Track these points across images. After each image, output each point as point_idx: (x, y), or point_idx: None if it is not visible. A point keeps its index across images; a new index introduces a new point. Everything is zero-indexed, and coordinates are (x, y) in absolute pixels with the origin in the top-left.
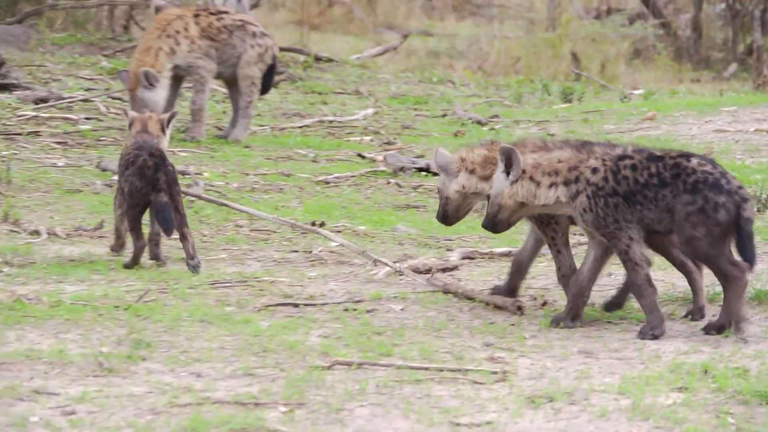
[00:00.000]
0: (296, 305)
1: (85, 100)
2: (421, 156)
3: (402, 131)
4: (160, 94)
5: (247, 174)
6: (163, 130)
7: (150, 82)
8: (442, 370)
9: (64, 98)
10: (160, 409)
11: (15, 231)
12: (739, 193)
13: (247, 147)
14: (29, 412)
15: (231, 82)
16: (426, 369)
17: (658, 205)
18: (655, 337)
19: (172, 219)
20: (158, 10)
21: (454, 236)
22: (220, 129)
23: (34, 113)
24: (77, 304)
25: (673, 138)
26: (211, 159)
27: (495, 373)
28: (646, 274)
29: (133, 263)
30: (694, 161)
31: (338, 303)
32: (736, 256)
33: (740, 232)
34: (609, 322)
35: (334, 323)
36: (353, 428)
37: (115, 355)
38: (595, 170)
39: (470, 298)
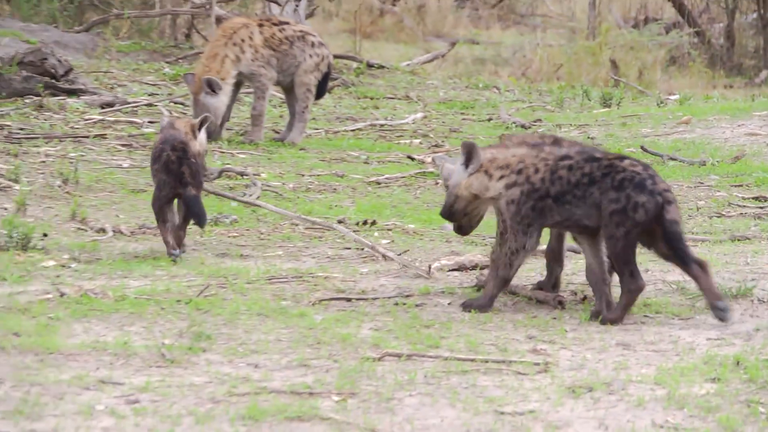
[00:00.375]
0: (349, 299)
1: (149, 105)
2: None
3: (449, 134)
4: (221, 100)
5: (303, 175)
6: (194, 133)
7: (212, 88)
8: (487, 362)
9: (128, 103)
10: (220, 398)
11: (82, 229)
12: (663, 194)
13: (302, 149)
14: (95, 401)
15: (288, 89)
16: (472, 360)
17: (587, 201)
18: (481, 308)
19: (203, 212)
20: (219, 19)
21: None
22: (277, 132)
23: (100, 117)
24: (141, 298)
25: (707, 141)
26: (268, 161)
27: (537, 364)
28: (509, 277)
29: (171, 249)
30: (627, 162)
31: (389, 297)
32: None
33: (665, 233)
34: (645, 316)
35: (385, 317)
36: (402, 416)
37: (177, 347)
38: (537, 170)
39: (514, 293)
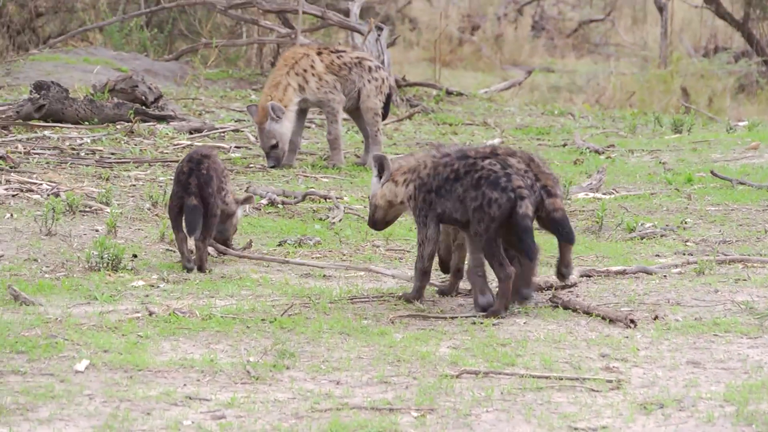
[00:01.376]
0: (428, 318)
1: (236, 131)
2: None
3: None
4: (286, 126)
5: None
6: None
7: (277, 114)
8: (561, 379)
9: (216, 128)
10: (303, 413)
11: (170, 250)
12: (516, 191)
13: None
14: (182, 417)
15: (354, 113)
16: (546, 378)
17: (452, 197)
18: (411, 299)
19: (196, 222)
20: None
21: (573, 256)
22: (358, 156)
23: (188, 142)
24: (227, 317)
25: None
26: (350, 184)
27: (610, 381)
28: (426, 267)
29: (186, 261)
30: (487, 161)
31: (466, 317)
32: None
33: (516, 227)
34: (715, 335)
35: (463, 335)
36: None
37: (262, 364)
38: (425, 166)
39: (587, 313)
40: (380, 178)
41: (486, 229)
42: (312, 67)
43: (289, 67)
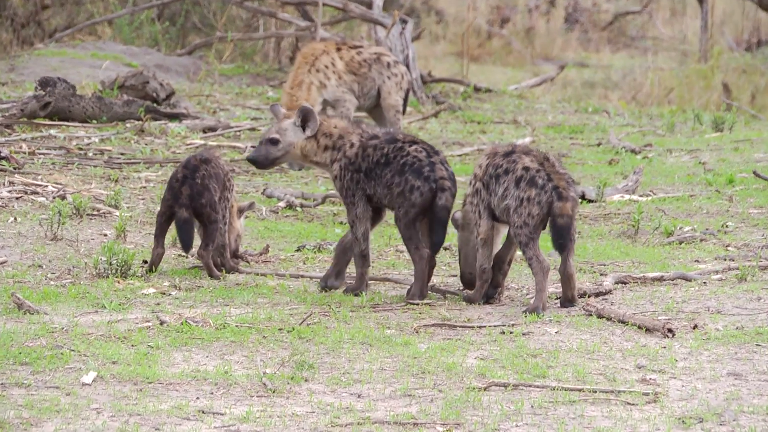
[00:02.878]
0: (454, 327)
1: (252, 129)
2: (577, 183)
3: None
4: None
5: None
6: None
7: None
8: (595, 392)
9: (231, 127)
10: (322, 428)
11: (182, 256)
12: (439, 182)
13: None
14: None
15: (373, 112)
16: (579, 390)
17: (382, 182)
18: (355, 294)
19: (189, 238)
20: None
21: (608, 261)
22: None
23: (202, 141)
24: (242, 326)
25: None
26: None
27: (646, 394)
28: (363, 249)
29: (150, 268)
30: (414, 147)
31: (495, 326)
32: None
33: (433, 217)
34: (758, 345)
35: (491, 345)
36: None
37: (279, 376)
38: (352, 145)
39: (623, 322)
40: (303, 129)
41: (405, 213)
42: (333, 64)
43: (310, 65)
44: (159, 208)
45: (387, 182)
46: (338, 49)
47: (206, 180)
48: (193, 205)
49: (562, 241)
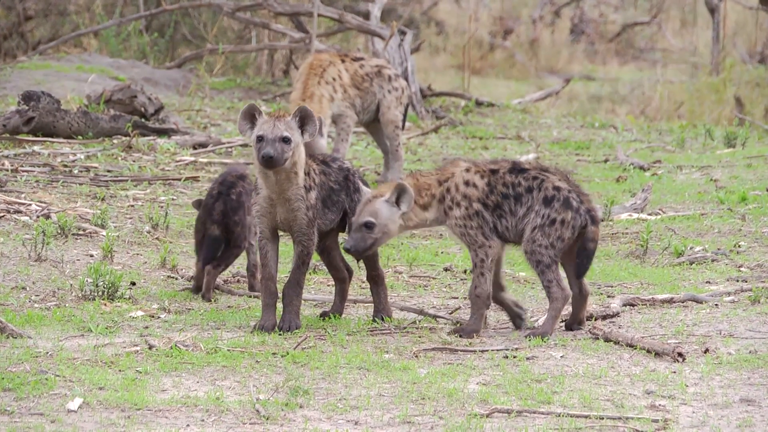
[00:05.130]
0: (455, 351)
1: (244, 145)
2: None
3: None
4: (322, 144)
5: None
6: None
7: (320, 130)
8: (602, 418)
9: (222, 143)
10: None
11: (172, 277)
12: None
13: None
14: None
15: (371, 127)
16: (586, 417)
17: (339, 207)
18: (263, 329)
19: (212, 256)
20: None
21: (615, 282)
22: (379, 173)
23: (192, 158)
24: (234, 350)
25: None
26: None
27: (656, 421)
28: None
29: (195, 289)
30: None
31: (497, 350)
32: None
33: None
34: None
35: (493, 370)
36: None
37: (272, 403)
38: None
39: (631, 346)
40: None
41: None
42: (339, 77)
43: (319, 76)
44: (194, 225)
45: (343, 206)
46: (342, 61)
47: (242, 197)
48: (225, 222)
49: (587, 267)
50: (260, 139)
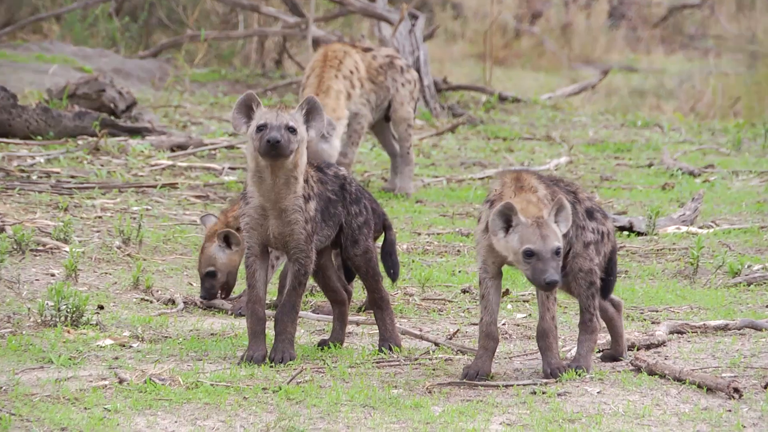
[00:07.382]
0: (474, 387)
1: (230, 147)
2: (623, 213)
3: (600, 183)
4: (335, 146)
5: (419, 233)
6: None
7: (328, 131)
8: None
9: (205, 144)
10: None
11: (147, 300)
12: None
13: (418, 201)
14: None
15: (378, 126)
16: None
17: (336, 221)
18: (252, 361)
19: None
20: (317, 42)
21: (661, 306)
22: (386, 180)
23: (170, 162)
24: (218, 385)
25: None
26: None
27: None
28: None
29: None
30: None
31: (524, 384)
32: None
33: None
34: None
35: (520, 408)
36: None
37: None
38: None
39: (679, 380)
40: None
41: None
42: (357, 69)
43: (336, 69)
44: None
45: (339, 219)
46: (356, 51)
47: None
48: None
49: (615, 279)
50: (262, 127)
